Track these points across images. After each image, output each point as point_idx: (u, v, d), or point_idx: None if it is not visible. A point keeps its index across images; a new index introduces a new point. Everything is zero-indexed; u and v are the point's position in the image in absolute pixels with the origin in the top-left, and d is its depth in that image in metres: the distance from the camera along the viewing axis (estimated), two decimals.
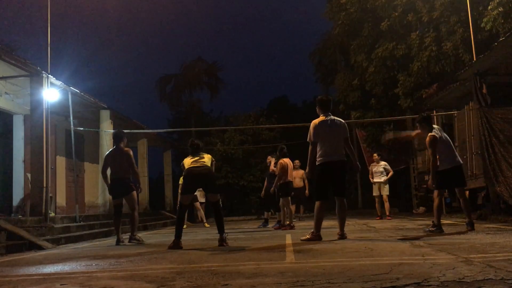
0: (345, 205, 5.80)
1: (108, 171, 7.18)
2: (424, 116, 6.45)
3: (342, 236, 5.64)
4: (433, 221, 6.17)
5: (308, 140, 5.86)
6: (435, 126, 6.44)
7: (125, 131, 8.31)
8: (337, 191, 5.76)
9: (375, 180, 11.12)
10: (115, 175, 7.07)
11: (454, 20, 12.22)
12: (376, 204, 11.28)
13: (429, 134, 6.19)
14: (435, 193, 6.34)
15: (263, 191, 10.30)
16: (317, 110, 5.99)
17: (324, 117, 5.85)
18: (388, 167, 11.18)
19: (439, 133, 6.24)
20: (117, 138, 7.25)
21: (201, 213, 12.46)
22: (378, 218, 10.90)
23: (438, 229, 6.02)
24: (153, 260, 4.52)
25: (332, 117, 5.89)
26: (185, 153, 6.31)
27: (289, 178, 9.12)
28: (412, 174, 15.83)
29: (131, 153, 7.20)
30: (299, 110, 29.02)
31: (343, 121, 5.99)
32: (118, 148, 7.14)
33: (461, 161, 6.38)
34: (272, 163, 9.86)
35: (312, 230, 5.74)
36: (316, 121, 5.85)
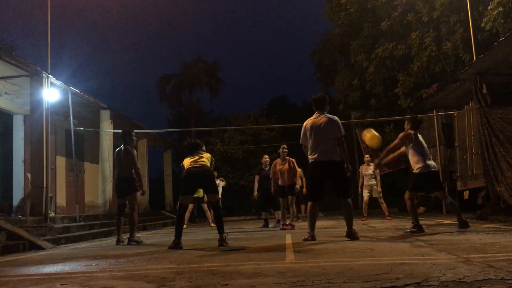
0: (349, 204, 5.58)
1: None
2: (416, 117, 6.60)
3: (350, 234, 5.49)
4: (412, 222, 6.16)
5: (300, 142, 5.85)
6: (420, 137, 6.35)
7: None
8: (339, 193, 5.56)
9: (365, 182, 11.05)
10: (121, 175, 7.10)
11: (454, 20, 12.23)
12: (363, 205, 11.24)
13: (409, 130, 6.27)
14: (407, 194, 6.30)
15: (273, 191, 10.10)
16: (313, 109, 5.94)
17: (316, 115, 5.74)
18: (378, 170, 10.89)
19: (419, 138, 6.25)
20: (125, 137, 7.24)
21: (208, 213, 12.50)
22: (364, 218, 10.70)
23: (418, 229, 6.01)
24: (153, 260, 4.52)
25: (324, 115, 5.69)
26: (185, 153, 6.29)
27: None
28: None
29: (134, 152, 7.19)
30: (299, 110, 28.93)
31: (336, 119, 5.72)
32: (124, 147, 7.14)
33: (437, 167, 6.45)
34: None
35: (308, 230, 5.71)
36: (306, 121, 5.79)
